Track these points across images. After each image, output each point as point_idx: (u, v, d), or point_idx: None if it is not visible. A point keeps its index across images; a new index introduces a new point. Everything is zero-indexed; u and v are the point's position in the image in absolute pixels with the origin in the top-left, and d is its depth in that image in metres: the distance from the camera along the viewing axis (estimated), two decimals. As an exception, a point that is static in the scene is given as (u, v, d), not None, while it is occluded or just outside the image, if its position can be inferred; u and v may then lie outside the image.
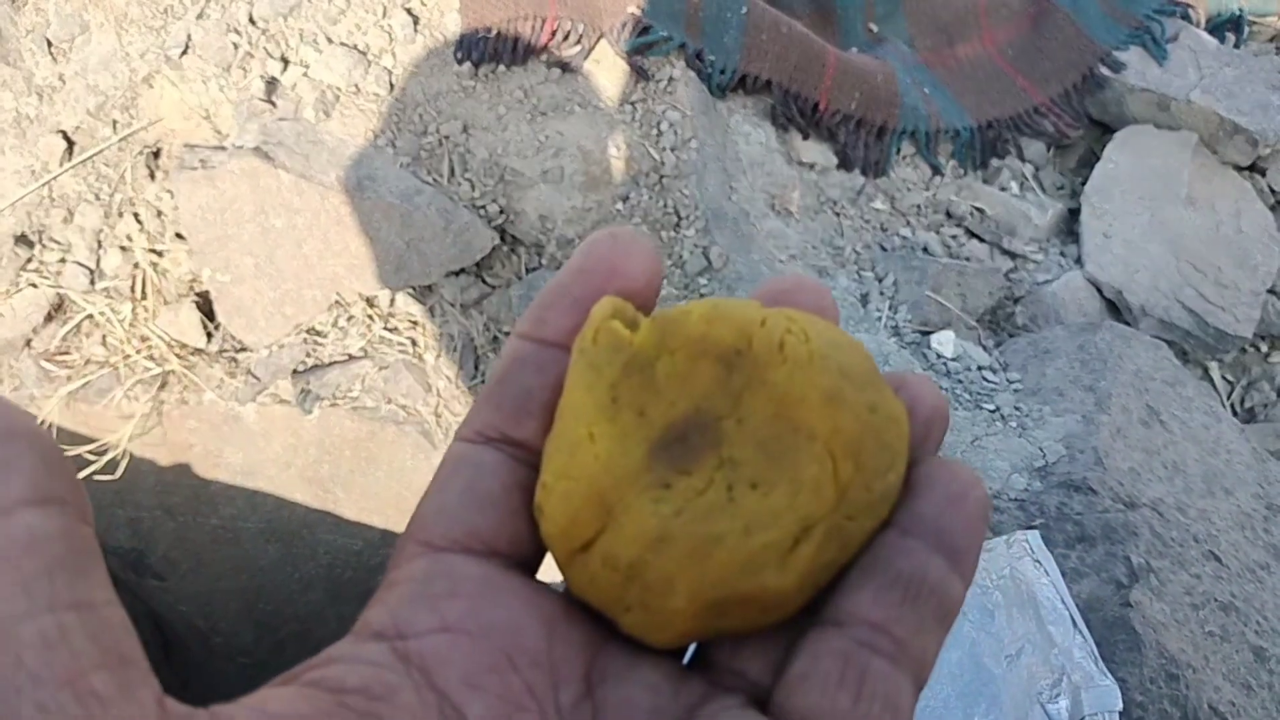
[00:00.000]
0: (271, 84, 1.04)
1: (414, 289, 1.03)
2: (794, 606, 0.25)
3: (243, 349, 1.04)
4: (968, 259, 1.13)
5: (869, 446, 0.24)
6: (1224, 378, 1.17)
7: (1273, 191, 1.25)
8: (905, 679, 0.23)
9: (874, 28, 1.28)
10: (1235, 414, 1.15)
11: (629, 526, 0.24)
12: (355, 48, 1.05)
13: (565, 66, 1.05)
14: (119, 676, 0.19)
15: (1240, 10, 1.35)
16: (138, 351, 1.03)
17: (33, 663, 0.18)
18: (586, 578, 0.25)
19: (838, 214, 1.14)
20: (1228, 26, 1.36)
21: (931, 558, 0.24)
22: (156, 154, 1.07)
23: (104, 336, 1.04)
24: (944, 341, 1.00)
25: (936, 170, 1.19)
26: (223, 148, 1.01)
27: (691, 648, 0.27)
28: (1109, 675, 0.70)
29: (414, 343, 1.04)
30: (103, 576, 0.20)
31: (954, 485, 0.24)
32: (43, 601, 0.18)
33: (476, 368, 1.03)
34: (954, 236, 1.16)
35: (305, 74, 1.04)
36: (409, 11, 1.06)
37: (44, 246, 1.05)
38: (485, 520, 0.26)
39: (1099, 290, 1.12)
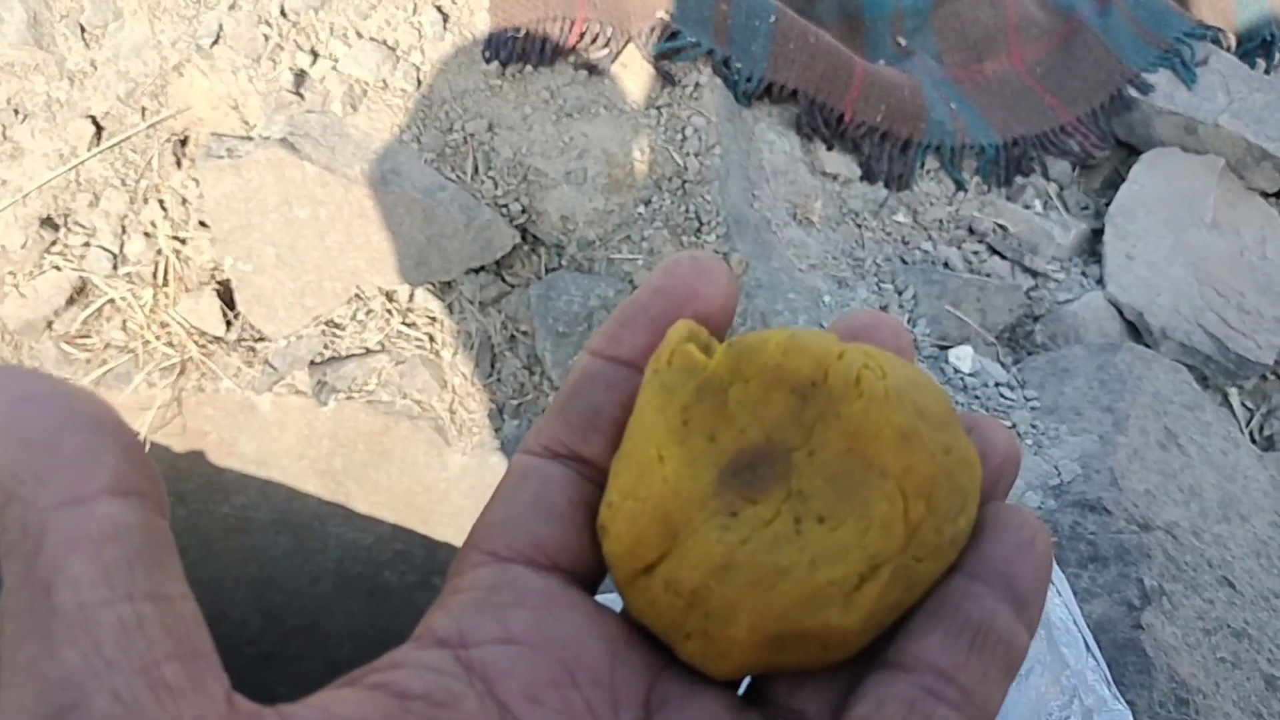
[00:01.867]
0: (300, 76, 1.05)
1: (433, 285, 1.03)
2: (855, 647, 0.24)
3: (261, 338, 1.04)
4: (988, 275, 1.13)
5: (942, 488, 0.24)
6: (1244, 404, 1.16)
7: (1299, 219, 1.24)
8: None
9: (902, 41, 1.28)
10: (1254, 441, 1.14)
11: (694, 551, 0.24)
12: (384, 43, 1.05)
13: (592, 69, 1.05)
14: (191, 669, 0.19)
15: (1271, 35, 1.34)
16: (157, 338, 1.04)
17: (109, 649, 0.18)
18: (647, 600, 0.25)
19: (859, 225, 1.13)
20: (1258, 51, 1.35)
21: (999, 605, 0.23)
22: (184, 142, 1.07)
23: (124, 321, 1.05)
24: (962, 357, 1.00)
25: (960, 186, 1.19)
26: (249, 138, 1.02)
27: (745, 682, 0.26)
28: (1121, 700, 0.70)
29: (431, 339, 1.04)
30: (177, 569, 0.20)
31: (1023, 532, 0.24)
32: (122, 590, 0.19)
33: (493, 365, 1.04)
34: (975, 252, 1.15)
35: (334, 68, 1.05)
36: (439, 9, 1.06)
37: (69, 230, 1.06)
38: (550, 534, 0.26)
39: (1120, 311, 1.12)
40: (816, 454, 0.24)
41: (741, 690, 0.26)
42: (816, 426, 0.24)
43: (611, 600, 0.28)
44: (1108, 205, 1.20)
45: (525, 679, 0.23)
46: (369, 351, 1.03)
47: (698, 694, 0.25)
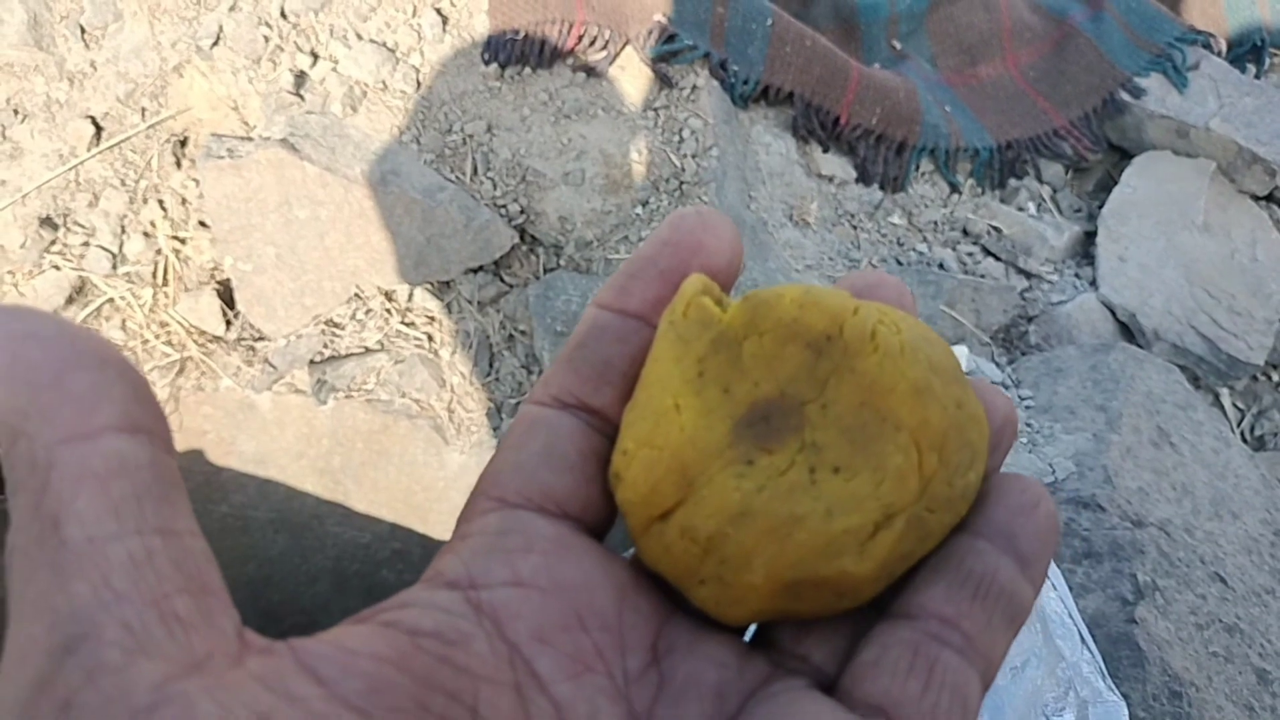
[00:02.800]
0: (300, 78, 1.05)
1: (432, 284, 1.04)
2: (868, 594, 0.25)
3: (261, 338, 1.04)
4: (983, 276, 1.14)
5: (954, 441, 0.24)
6: (1235, 405, 1.17)
7: (1289, 221, 1.25)
8: (974, 673, 0.23)
9: (897, 45, 1.29)
10: (1245, 441, 1.16)
11: (711, 499, 0.24)
12: (384, 45, 1.06)
13: (590, 71, 1.06)
14: (201, 603, 0.19)
15: (1262, 40, 1.36)
16: (156, 337, 1.04)
17: (119, 582, 0.18)
18: (662, 547, 0.25)
19: (855, 227, 1.14)
20: (1249, 56, 1.37)
21: (1002, 559, 0.24)
22: (184, 142, 1.08)
23: (124, 321, 1.05)
24: (958, 356, 1.00)
25: (955, 188, 1.20)
26: (250, 138, 1.03)
27: (752, 629, 0.27)
28: (1116, 691, 0.70)
29: (430, 338, 1.04)
30: (186, 506, 0.20)
31: (1025, 496, 0.25)
32: (131, 524, 0.19)
33: (491, 365, 1.04)
34: (970, 254, 1.16)
35: (334, 69, 1.05)
36: (438, 11, 1.07)
37: (68, 230, 1.07)
38: (560, 482, 0.26)
39: (1113, 313, 1.13)
40: (830, 407, 0.25)
41: (747, 637, 0.27)
42: (830, 380, 0.25)
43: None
44: (1100, 208, 1.22)
45: (535, 621, 0.24)
46: (368, 351, 1.03)
47: (705, 640, 0.25)
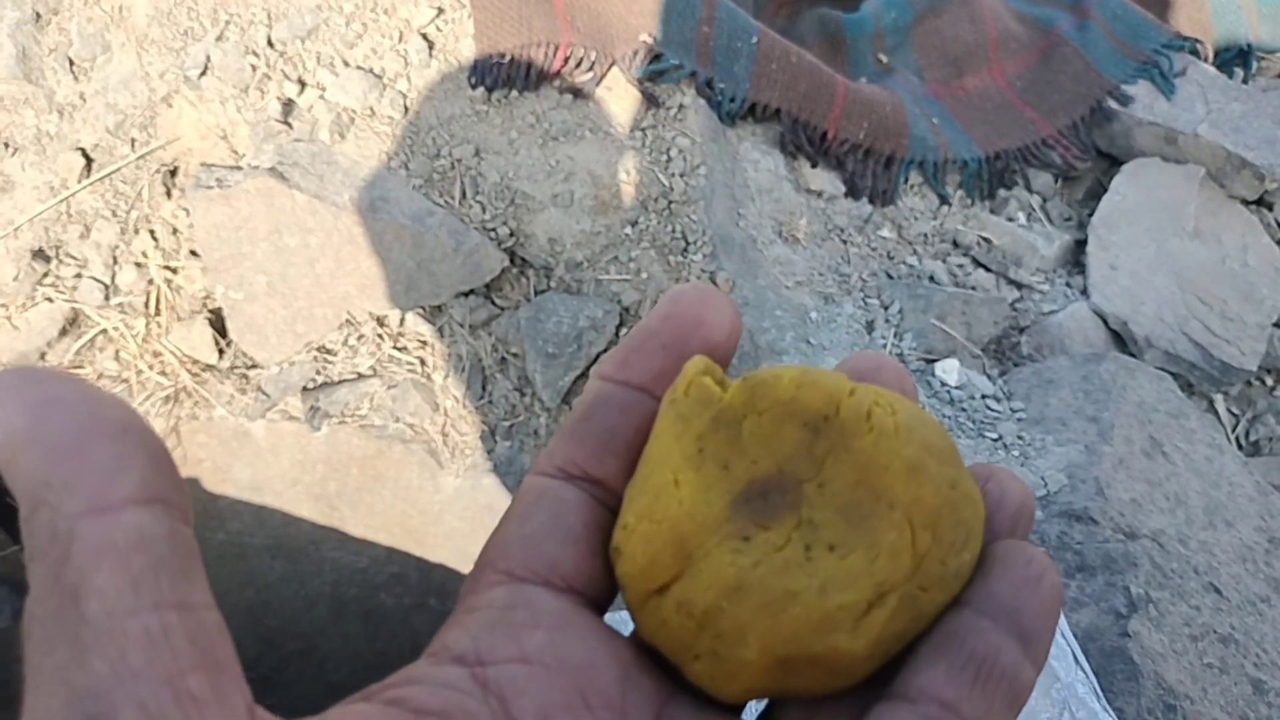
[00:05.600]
0: (288, 105, 1.06)
1: (424, 309, 1.04)
2: (862, 673, 0.25)
3: (254, 366, 1.05)
4: (973, 288, 1.14)
5: (947, 521, 0.24)
6: (1229, 411, 1.17)
7: (1279, 226, 1.25)
8: None
9: (883, 58, 1.30)
10: (1240, 447, 1.15)
11: (707, 573, 0.25)
12: (371, 71, 1.07)
13: (577, 92, 1.06)
14: (214, 680, 0.19)
15: (1248, 45, 1.36)
16: (150, 367, 1.05)
17: (136, 660, 0.18)
18: (658, 621, 0.25)
19: (845, 241, 1.14)
20: (1236, 62, 1.37)
21: (1005, 640, 0.23)
22: (174, 172, 1.08)
23: (117, 351, 1.06)
24: (948, 370, 1.01)
25: (944, 200, 1.20)
26: (239, 167, 1.03)
27: (758, 712, 0.27)
28: (1111, 712, 0.70)
29: (423, 362, 1.05)
30: (202, 579, 0.20)
31: (1030, 568, 0.24)
32: (148, 599, 0.19)
33: (484, 388, 1.04)
34: (960, 266, 1.16)
35: (321, 96, 1.06)
36: (424, 37, 1.08)
37: (60, 261, 1.07)
38: (566, 556, 0.26)
39: (1104, 321, 1.13)
40: (827, 486, 0.25)
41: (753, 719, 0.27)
42: (827, 459, 0.25)
43: (617, 620, 0.28)
44: (1090, 216, 1.22)
45: (540, 700, 0.24)
46: (361, 376, 1.03)
47: None
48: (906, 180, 1.19)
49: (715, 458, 0.26)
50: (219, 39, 1.08)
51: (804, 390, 0.26)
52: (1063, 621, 0.74)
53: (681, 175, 1.04)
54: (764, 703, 0.27)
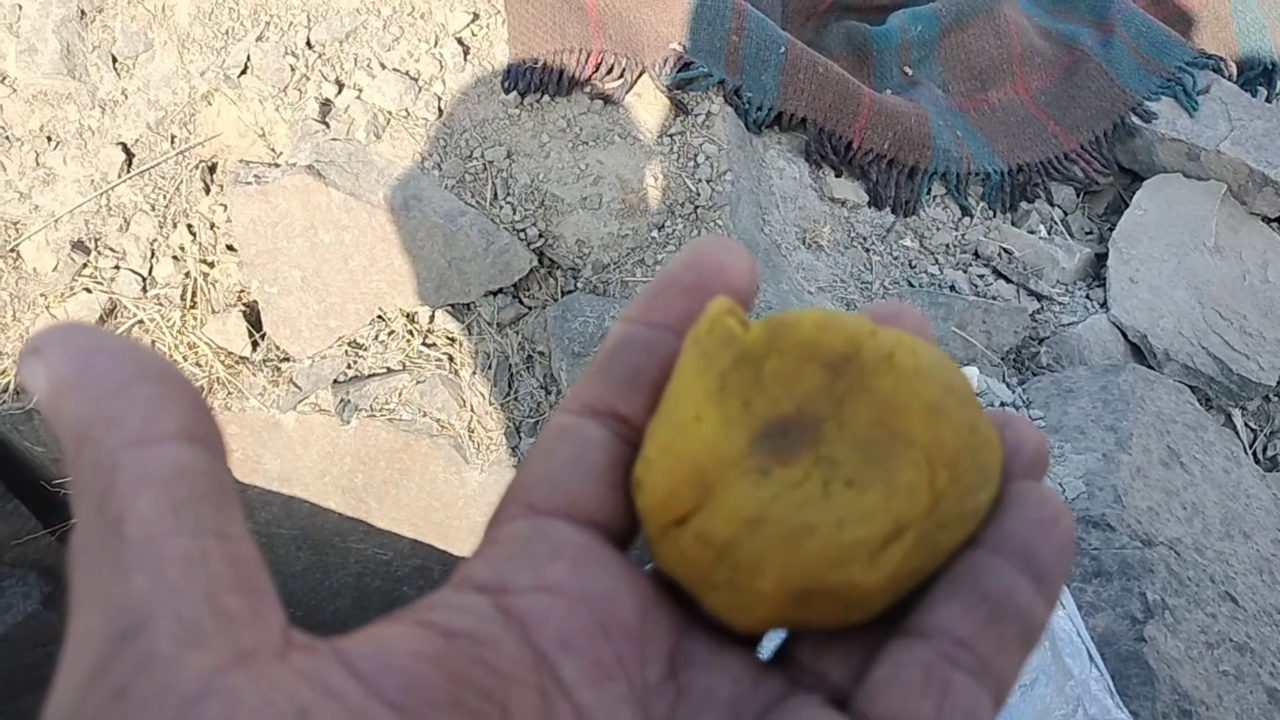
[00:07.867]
0: (325, 106, 1.08)
1: (453, 307, 1.06)
2: (877, 607, 0.25)
3: (286, 359, 1.07)
4: (994, 298, 1.15)
5: (966, 462, 0.25)
6: (1247, 425, 1.18)
7: (1300, 243, 1.26)
8: (986, 696, 0.23)
9: (909, 71, 1.31)
10: (1258, 461, 1.16)
11: (726, 505, 0.25)
12: (407, 74, 1.09)
13: (607, 98, 1.08)
14: (251, 601, 0.20)
15: (1272, 64, 1.37)
16: (185, 358, 1.07)
17: (175, 577, 0.19)
18: (677, 553, 0.26)
19: (867, 250, 1.16)
20: (1259, 80, 1.38)
21: (1019, 579, 0.24)
22: (212, 169, 1.11)
23: (153, 342, 1.08)
24: (968, 377, 1.02)
25: (966, 211, 1.22)
26: (276, 165, 1.05)
27: (775, 646, 0.27)
28: (1125, 710, 0.71)
29: (451, 359, 1.07)
30: (239, 514, 0.21)
31: (1045, 509, 0.25)
32: (188, 525, 0.20)
33: (510, 385, 1.06)
34: (981, 276, 1.18)
35: (358, 97, 1.08)
36: (460, 41, 1.10)
37: (99, 253, 1.10)
38: (588, 490, 0.27)
39: (1124, 334, 1.14)
40: (846, 425, 0.26)
41: (771, 655, 0.27)
42: (847, 399, 0.26)
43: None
44: (1111, 230, 1.23)
45: (560, 628, 0.24)
46: (390, 371, 1.05)
47: (723, 654, 0.26)
48: (929, 191, 1.20)
49: (737, 395, 0.26)
50: (259, 39, 1.10)
51: (826, 331, 0.26)
52: (1079, 620, 0.75)
53: (708, 181, 1.06)
54: (782, 636, 0.27)
